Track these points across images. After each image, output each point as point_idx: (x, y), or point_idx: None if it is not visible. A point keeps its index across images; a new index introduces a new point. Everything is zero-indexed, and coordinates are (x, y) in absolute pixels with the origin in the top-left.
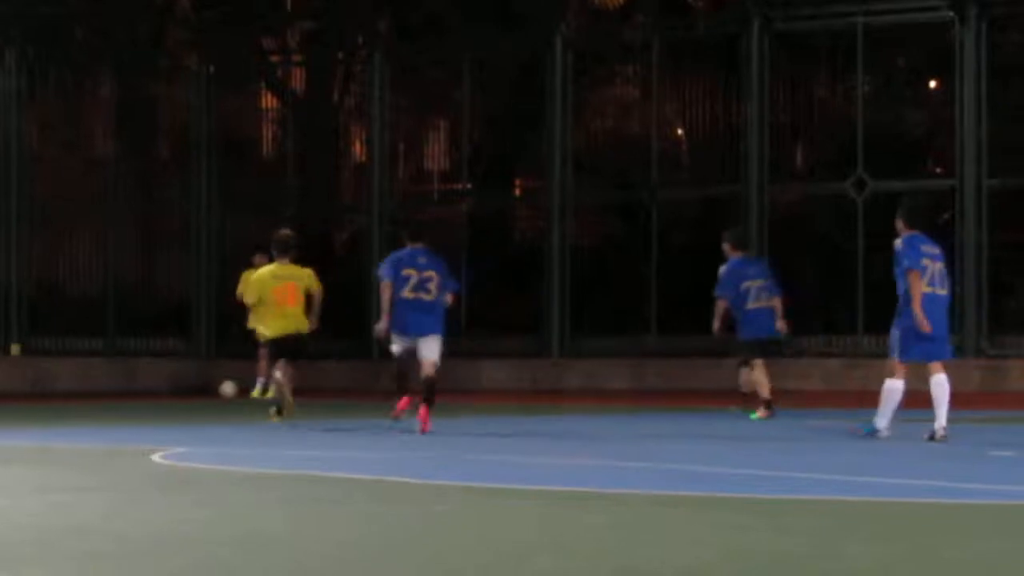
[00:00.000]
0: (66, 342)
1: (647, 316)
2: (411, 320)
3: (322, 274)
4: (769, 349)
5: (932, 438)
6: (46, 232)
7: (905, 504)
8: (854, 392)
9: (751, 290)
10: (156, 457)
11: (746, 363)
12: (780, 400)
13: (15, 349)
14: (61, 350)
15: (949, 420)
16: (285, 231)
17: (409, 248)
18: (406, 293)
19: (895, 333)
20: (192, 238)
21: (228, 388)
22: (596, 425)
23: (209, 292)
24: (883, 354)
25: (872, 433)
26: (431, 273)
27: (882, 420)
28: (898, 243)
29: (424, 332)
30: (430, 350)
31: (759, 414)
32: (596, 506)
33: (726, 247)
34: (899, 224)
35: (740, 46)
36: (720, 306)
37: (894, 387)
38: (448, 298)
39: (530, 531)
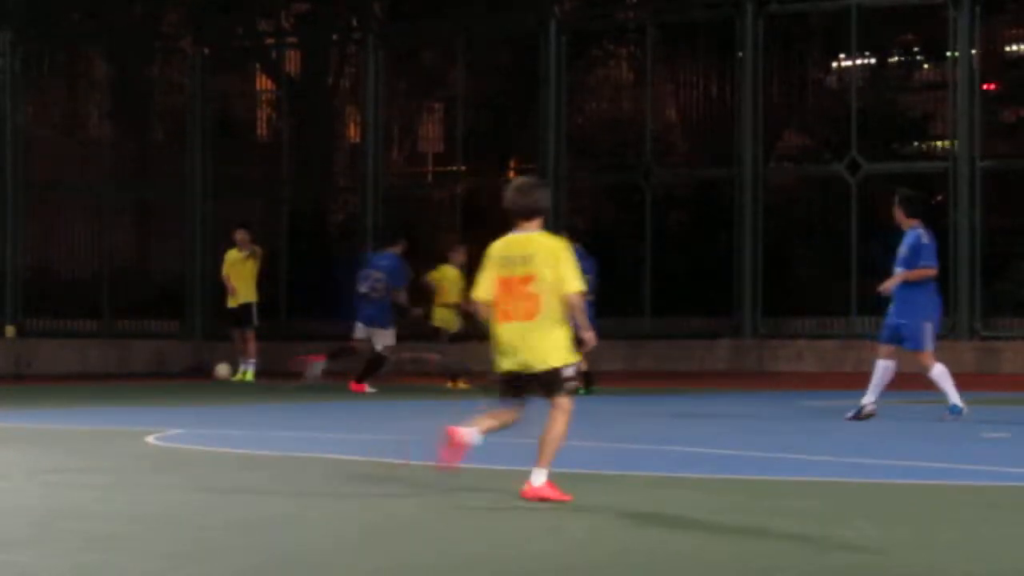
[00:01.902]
0: (60, 324)
1: (642, 298)
2: None
3: (316, 255)
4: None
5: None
6: (40, 214)
7: (902, 486)
8: (848, 373)
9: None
10: (151, 439)
11: None
12: (775, 382)
13: (10, 331)
14: (55, 332)
15: (943, 402)
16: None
17: None
18: None
19: (926, 327)
20: (186, 220)
21: (223, 370)
22: (592, 407)
23: (203, 274)
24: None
25: (959, 414)
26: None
27: (955, 397)
28: (924, 238)
29: None
30: None
31: None
32: (595, 488)
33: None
34: (899, 214)
35: (734, 28)
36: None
37: (942, 369)
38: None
39: (530, 514)
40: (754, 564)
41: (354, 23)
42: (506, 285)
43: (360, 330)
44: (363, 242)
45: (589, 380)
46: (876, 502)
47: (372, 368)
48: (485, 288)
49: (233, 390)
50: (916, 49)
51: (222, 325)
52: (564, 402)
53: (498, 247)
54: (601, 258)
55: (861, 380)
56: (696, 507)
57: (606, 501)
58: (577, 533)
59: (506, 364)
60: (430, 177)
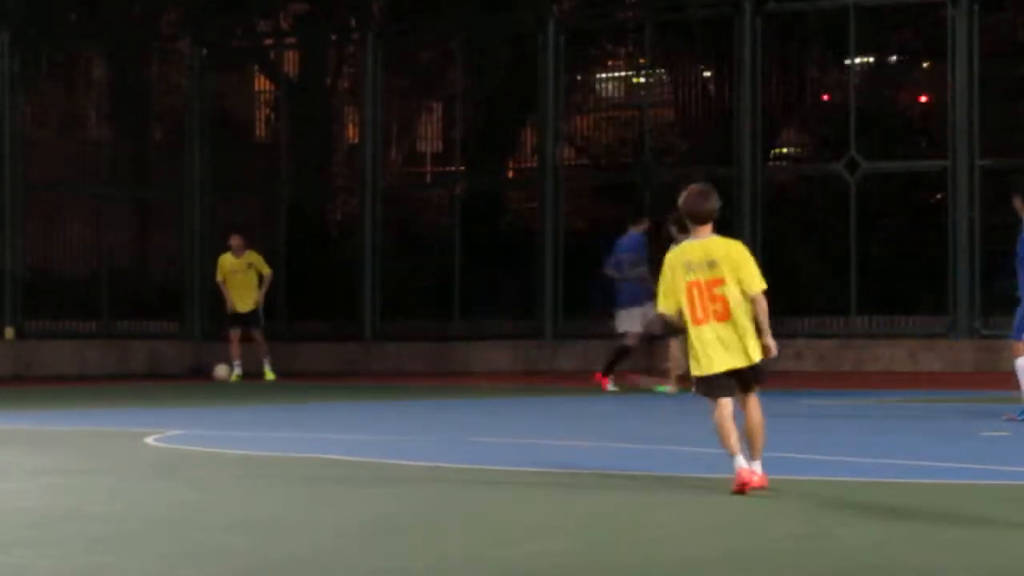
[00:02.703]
0: (59, 325)
1: None
2: None
3: (315, 257)
4: None
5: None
6: (39, 215)
7: (899, 484)
8: (847, 373)
9: None
10: (150, 440)
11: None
12: (774, 381)
13: (9, 332)
14: (54, 333)
15: (942, 400)
16: None
17: None
18: None
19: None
20: (185, 221)
21: (222, 371)
22: (592, 406)
23: (202, 275)
24: (876, 334)
25: None
26: None
27: None
28: None
29: None
30: None
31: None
32: (594, 487)
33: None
34: (1018, 203)
35: (733, 27)
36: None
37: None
38: None
39: (528, 513)
40: (752, 564)
41: (352, 23)
42: (696, 289)
43: (622, 318)
44: (362, 242)
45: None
46: (873, 501)
47: (617, 358)
48: (671, 299)
49: (232, 391)
50: (915, 48)
51: (221, 326)
52: (755, 394)
53: (677, 254)
54: (597, 257)
55: (860, 379)
56: (694, 506)
57: (605, 500)
58: (576, 532)
59: (712, 365)
60: (429, 177)
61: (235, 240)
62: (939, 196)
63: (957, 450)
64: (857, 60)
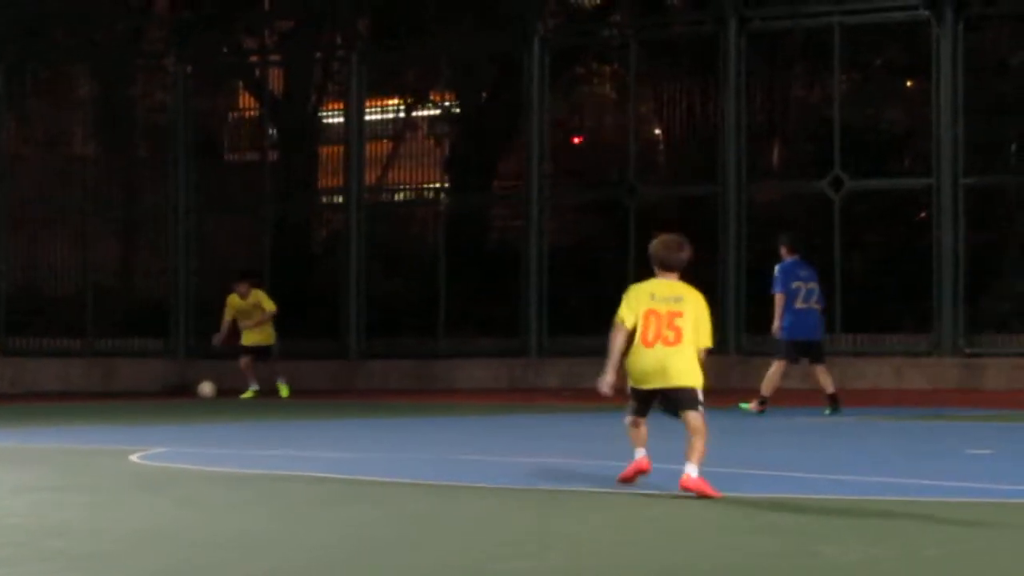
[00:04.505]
0: (45, 343)
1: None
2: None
3: (300, 274)
4: (809, 351)
5: None
6: (24, 232)
7: (885, 502)
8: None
9: (801, 291)
10: (135, 457)
11: (796, 361)
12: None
13: None
14: (40, 351)
15: (926, 418)
16: None
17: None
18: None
19: None
20: (170, 238)
21: (207, 388)
22: (577, 424)
23: (187, 292)
24: (860, 352)
25: None
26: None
27: None
28: None
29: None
30: None
31: (751, 406)
32: (578, 505)
33: (783, 249)
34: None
35: (717, 45)
36: (780, 303)
37: None
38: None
39: (512, 531)
40: None
41: (338, 40)
42: (653, 316)
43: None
44: (346, 259)
45: (835, 400)
46: (858, 519)
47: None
48: (632, 315)
49: (218, 408)
50: (899, 65)
51: (206, 344)
52: (694, 415)
53: (644, 286)
54: (584, 275)
55: (844, 397)
56: (679, 523)
57: (590, 518)
58: (560, 550)
59: (645, 382)
60: (413, 195)
61: (241, 287)
62: (923, 214)
63: (941, 468)
64: (841, 77)
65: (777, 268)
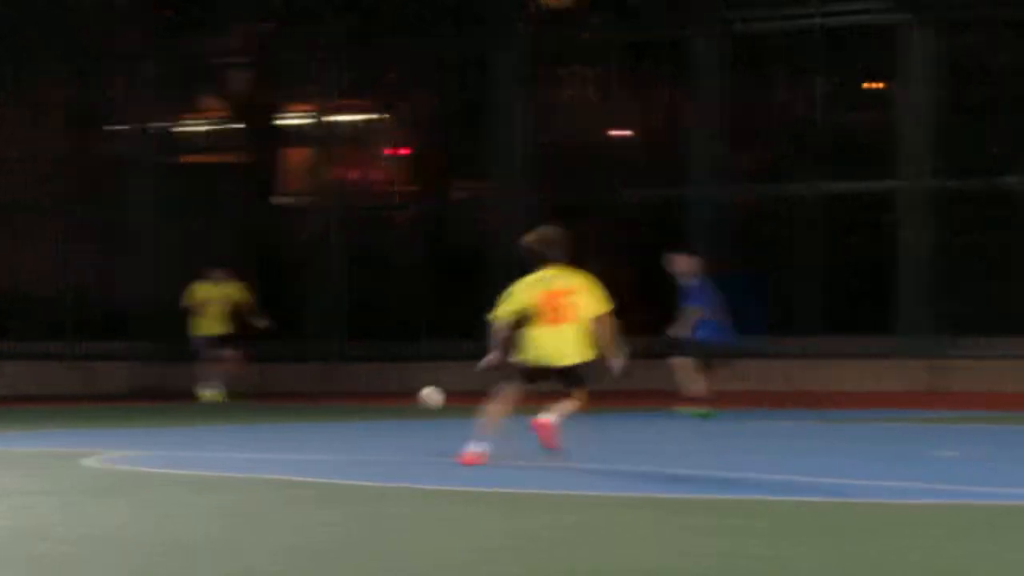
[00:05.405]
0: (24, 346)
1: None
2: None
3: (267, 277)
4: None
5: None
6: (2, 235)
7: (852, 504)
8: (799, 393)
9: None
10: (101, 460)
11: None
12: (726, 401)
13: None
14: (19, 354)
15: (895, 420)
16: None
17: None
18: None
19: None
20: (144, 241)
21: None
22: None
23: (162, 295)
24: (829, 354)
25: None
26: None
27: None
28: None
29: None
30: None
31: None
32: (550, 510)
33: (694, 261)
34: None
35: (695, 48)
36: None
37: None
38: None
39: (481, 535)
40: None
41: (310, 43)
42: (548, 298)
43: None
44: (326, 263)
45: (695, 402)
46: (824, 521)
47: None
48: (510, 309)
49: (198, 412)
50: (875, 69)
51: (183, 347)
52: (580, 392)
53: (536, 275)
54: None
55: (812, 399)
56: (651, 528)
57: (561, 523)
58: (528, 555)
59: (539, 359)
60: (390, 198)
61: (219, 272)
62: (893, 216)
63: (910, 470)
64: (819, 81)
65: (701, 281)
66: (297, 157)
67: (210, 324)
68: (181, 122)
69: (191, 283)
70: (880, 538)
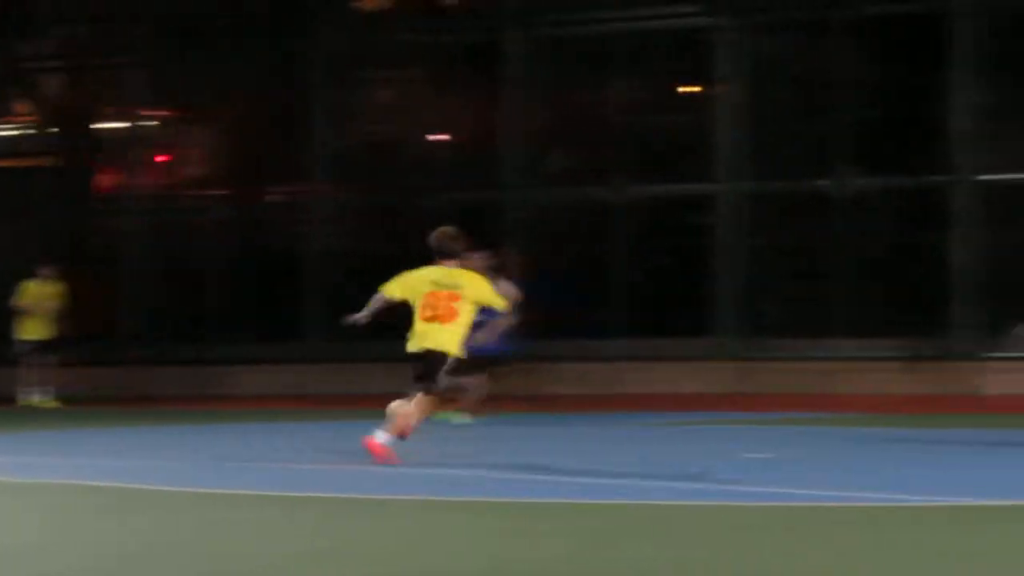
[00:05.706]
0: None
1: (402, 322)
2: None
3: (76, 277)
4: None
5: None
6: None
7: (668, 506)
8: (609, 396)
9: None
10: None
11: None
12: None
13: None
14: None
15: (701, 422)
16: None
17: None
18: None
19: None
20: None
21: None
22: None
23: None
24: (639, 356)
25: None
26: None
27: None
28: None
29: None
30: None
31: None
32: (367, 512)
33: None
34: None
35: (500, 50)
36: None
37: None
38: None
39: (301, 539)
40: None
41: (117, 46)
42: (433, 298)
43: None
44: (137, 266)
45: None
46: (643, 522)
47: None
48: (398, 290)
49: (39, 417)
50: (683, 71)
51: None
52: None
53: (424, 273)
54: (364, 282)
55: (622, 401)
56: (464, 531)
57: (379, 526)
58: (349, 559)
59: (423, 344)
60: (192, 200)
61: (46, 269)
62: (705, 220)
63: (723, 471)
64: (626, 83)
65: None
66: (110, 161)
67: (36, 327)
68: None
69: (21, 282)
70: (692, 538)
